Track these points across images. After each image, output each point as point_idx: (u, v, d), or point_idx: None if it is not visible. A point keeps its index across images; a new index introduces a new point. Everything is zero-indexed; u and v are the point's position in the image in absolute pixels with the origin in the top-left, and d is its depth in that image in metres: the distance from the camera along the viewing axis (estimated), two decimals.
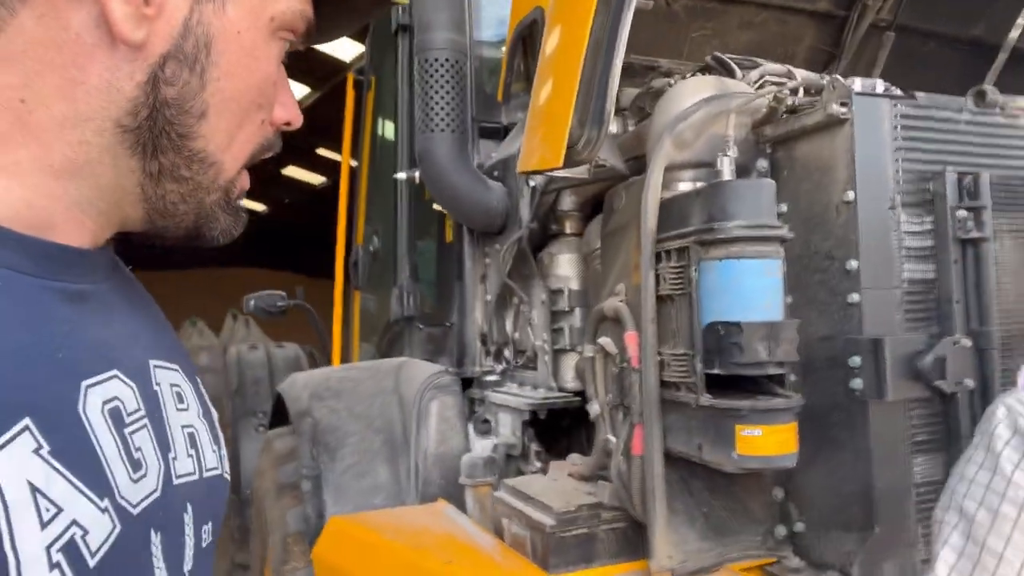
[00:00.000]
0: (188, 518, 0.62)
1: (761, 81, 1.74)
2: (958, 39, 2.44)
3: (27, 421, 0.47)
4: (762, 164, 1.46)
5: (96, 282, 0.60)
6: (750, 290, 1.26)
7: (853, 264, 1.30)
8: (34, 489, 0.46)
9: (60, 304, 0.55)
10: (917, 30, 2.45)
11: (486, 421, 2.13)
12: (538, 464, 1.94)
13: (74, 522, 0.48)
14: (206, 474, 0.66)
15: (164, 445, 0.60)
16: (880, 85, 1.39)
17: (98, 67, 0.55)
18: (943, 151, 1.38)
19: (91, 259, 0.59)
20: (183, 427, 0.64)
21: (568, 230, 2.03)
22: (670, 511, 1.36)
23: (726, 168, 1.36)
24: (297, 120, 0.66)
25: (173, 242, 0.64)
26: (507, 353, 2.22)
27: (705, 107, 1.45)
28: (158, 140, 0.58)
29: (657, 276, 1.38)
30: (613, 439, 1.47)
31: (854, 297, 1.30)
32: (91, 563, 0.48)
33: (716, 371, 1.28)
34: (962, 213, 1.34)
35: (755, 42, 2.41)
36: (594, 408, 1.55)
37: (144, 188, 0.59)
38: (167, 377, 0.64)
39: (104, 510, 0.50)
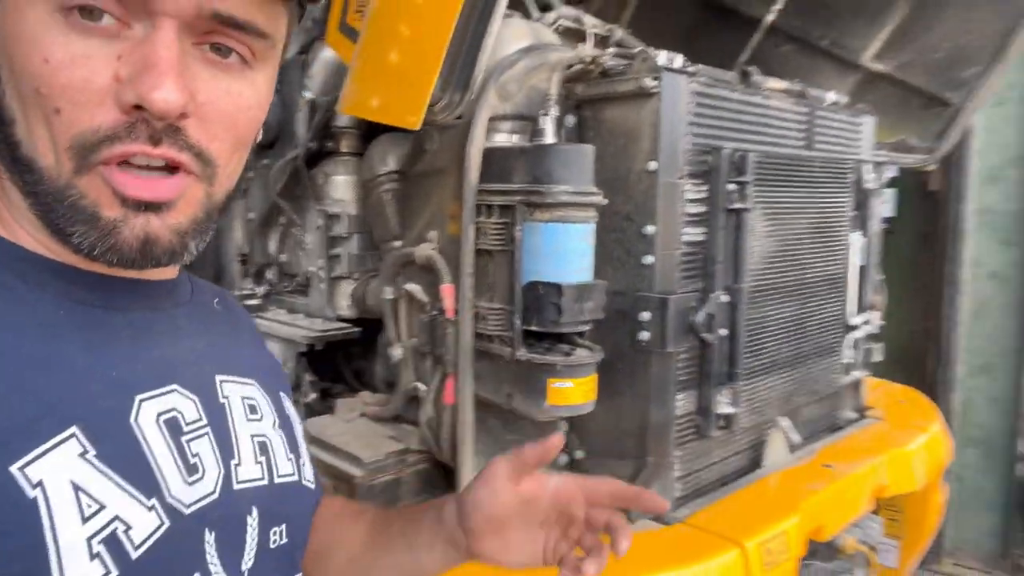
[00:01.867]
0: (253, 520, 0.64)
1: (556, 24, 1.77)
2: None
3: (74, 429, 0.51)
4: (570, 120, 1.51)
5: (160, 309, 0.64)
6: (570, 253, 1.33)
7: (651, 229, 1.43)
8: (76, 487, 0.50)
9: (123, 328, 0.59)
10: None
11: None
12: (312, 395, 1.88)
13: (116, 517, 0.52)
14: (278, 480, 0.68)
15: (227, 452, 0.63)
16: (678, 59, 1.50)
17: None
18: (718, 127, 1.55)
19: (146, 287, 0.63)
20: (252, 436, 0.67)
21: (344, 148, 1.89)
22: (474, 452, 1.43)
23: (549, 128, 1.38)
24: (157, 102, 0.50)
25: (85, 262, 0.57)
26: (270, 275, 2.06)
27: (526, 58, 1.44)
28: (2, 155, 0.55)
29: (476, 229, 1.38)
30: (422, 386, 1.48)
31: (648, 259, 1.43)
32: (133, 555, 0.52)
33: (533, 328, 1.34)
34: (731, 186, 1.54)
35: None
36: (396, 352, 1.53)
37: (31, 209, 0.56)
38: (238, 391, 0.67)
39: (151, 508, 0.54)
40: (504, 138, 1.45)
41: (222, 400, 0.65)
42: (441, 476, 1.52)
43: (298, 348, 1.85)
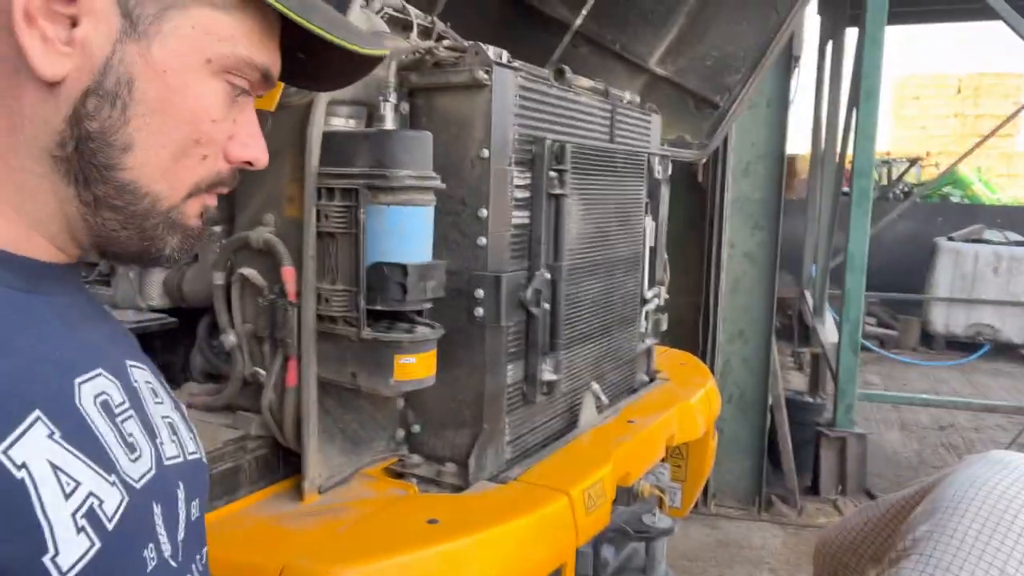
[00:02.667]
0: (181, 494, 0.69)
1: (382, 12, 1.81)
2: None
3: (37, 412, 0.54)
4: (404, 107, 1.57)
5: (72, 293, 0.66)
6: (413, 234, 1.39)
7: (484, 212, 1.53)
8: (54, 467, 0.53)
9: (48, 312, 0.61)
10: None
11: None
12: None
13: (91, 493, 0.55)
14: (189, 457, 0.73)
15: (151, 432, 0.67)
16: (504, 55, 1.61)
17: (30, 98, 0.59)
18: (540, 119, 1.69)
19: (66, 273, 0.66)
20: (163, 417, 0.70)
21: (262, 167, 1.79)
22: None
23: (389, 115, 1.43)
24: (260, 160, 0.70)
25: (128, 263, 0.73)
26: None
27: None
28: (87, 171, 0.61)
29: (317, 212, 1.40)
30: (261, 371, 1.47)
31: (482, 240, 1.54)
32: (109, 527, 0.56)
33: (377, 307, 1.39)
34: (552, 174, 1.69)
35: None
36: (230, 339, 1.50)
37: (85, 216, 0.63)
38: (141, 375, 0.70)
39: (112, 483, 0.58)
40: (341, 122, 1.47)
41: (134, 384, 0.67)
42: (281, 461, 1.52)
43: None
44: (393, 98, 1.44)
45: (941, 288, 8.70)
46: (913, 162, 13.07)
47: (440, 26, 1.99)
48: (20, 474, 0.51)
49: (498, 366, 1.61)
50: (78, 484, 0.54)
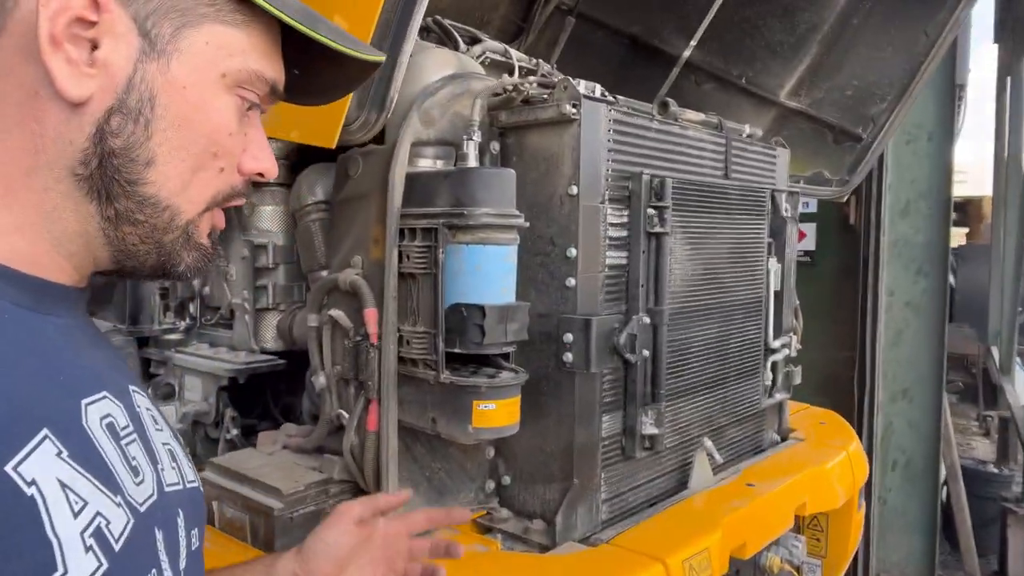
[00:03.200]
0: (181, 522, 0.68)
1: (483, 57, 1.81)
2: (620, 32, 2.79)
3: (46, 431, 0.54)
4: (495, 147, 1.53)
5: (77, 317, 0.67)
6: (492, 274, 1.34)
7: (573, 252, 1.45)
8: (63, 485, 0.53)
9: (56, 334, 0.62)
10: (592, 19, 2.74)
11: (168, 385, 1.92)
12: (234, 431, 1.82)
13: (98, 513, 0.55)
14: (188, 485, 0.72)
15: (152, 458, 0.66)
16: (597, 89, 1.55)
17: (53, 120, 0.60)
18: (638, 154, 1.60)
19: (75, 296, 0.66)
20: (163, 444, 0.70)
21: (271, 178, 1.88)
22: (399, 481, 1.41)
23: (471, 153, 1.40)
24: (270, 172, 0.71)
25: (143, 279, 0.73)
26: (192, 309, 2.01)
27: (450, 85, 1.47)
28: (110, 187, 0.62)
29: (400, 253, 1.38)
30: (344, 413, 1.46)
31: (571, 281, 1.46)
32: (116, 548, 0.55)
33: (456, 350, 1.34)
34: (651, 211, 1.58)
35: (455, 4, 2.46)
36: (320, 380, 1.51)
37: (105, 232, 0.64)
38: (143, 402, 0.70)
39: (119, 505, 0.57)
40: (428, 163, 1.46)
41: (137, 409, 0.68)
42: None
43: (219, 382, 1.80)
44: (477, 136, 1.41)
45: None
46: None
47: (544, 68, 1.96)
48: (30, 491, 0.51)
49: (590, 416, 1.50)
50: (86, 503, 0.54)
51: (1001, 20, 7.04)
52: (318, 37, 0.65)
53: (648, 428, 1.58)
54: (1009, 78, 6.62)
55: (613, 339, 1.51)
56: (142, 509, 0.60)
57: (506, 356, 1.42)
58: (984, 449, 6.33)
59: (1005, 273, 6.28)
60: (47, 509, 0.51)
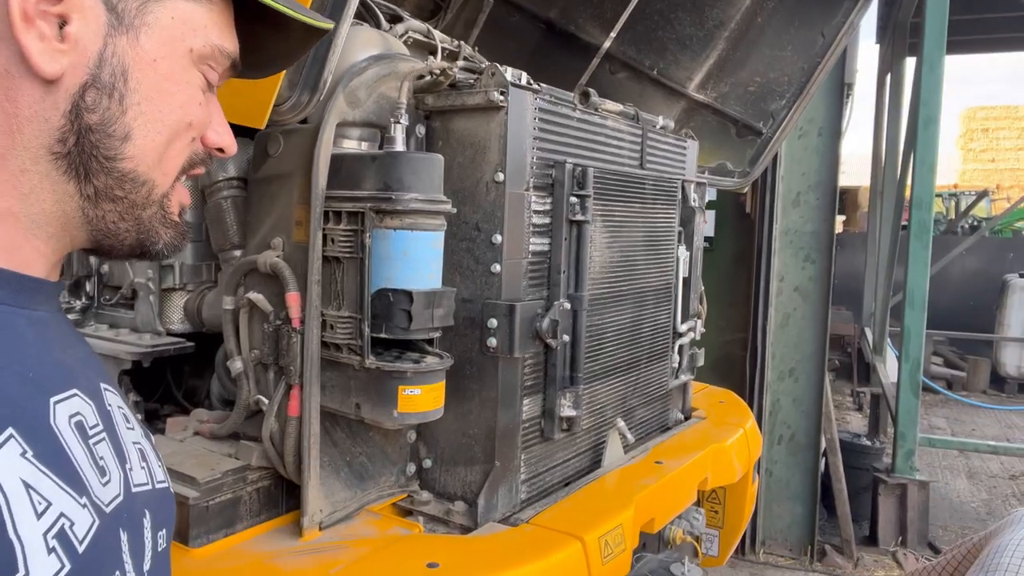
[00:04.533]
0: (147, 523, 0.67)
1: (406, 37, 1.78)
2: (537, 17, 2.81)
3: (11, 430, 0.53)
4: (420, 130, 1.52)
5: (52, 311, 0.65)
6: (420, 260, 1.34)
7: (498, 238, 1.47)
8: (27, 485, 0.52)
9: (27, 329, 0.61)
10: (509, 1, 2.74)
11: None
12: (138, 416, 1.74)
13: (62, 514, 0.54)
14: (157, 486, 0.71)
15: (121, 457, 0.65)
16: (523, 76, 1.56)
17: (27, 99, 0.59)
18: (561, 142, 1.63)
19: (49, 289, 0.65)
20: (133, 443, 0.69)
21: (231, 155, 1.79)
22: (320, 467, 1.40)
23: (399, 136, 1.38)
24: (231, 148, 0.72)
25: (120, 258, 0.70)
26: (88, 288, 1.90)
27: (376, 66, 1.44)
28: (88, 164, 0.62)
29: (324, 236, 1.35)
30: (264, 399, 1.42)
31: (496, 267, 1.48)
32: (80, 549, 0.54)
33: (382, 335, 1.34)
34: (573, 199, 1.62)
35: None
36: (236, 365, 1.46)
37: (84, 210, 0.63)
38: (114, 400, 0.69)
39: (84, 506, 0.56)
40: (353, 145, 1.44)
41: (107, 407, 0.67)
42: (284, 493, 1.46)
43: (121, 365, 1.71)
44: (405, 119, 1.39)
45: (1013, 327, 8.24)
46: (981, 195, 12.55)
47: (467, 50, 1.95)
48: None
49: (512, 400, 1.53)
50: (50, 504, 0.53)
51: (883, 23, 7.56)
52: (272, 4, 0.66)
53: (566, 410, 1.63)
54: (889, 76, 7.12)
55: (535, 324, 1.54)
56: (108, 510, 0.60)
57: (431, 341, 1.43)
58: (857, 423, 6.85)
59: (880, 260, 6.79)
60: (9, 510, 0.50)
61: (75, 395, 0.61)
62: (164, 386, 1.90)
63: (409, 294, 1.31)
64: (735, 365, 4.15)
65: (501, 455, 1.51)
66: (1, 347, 0.57)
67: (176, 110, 0.65)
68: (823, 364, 4.00)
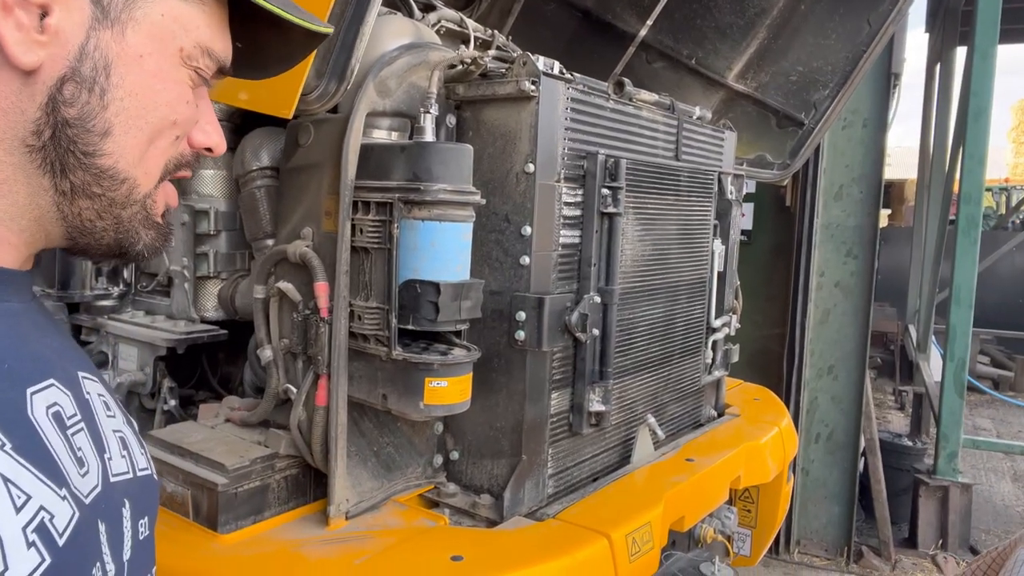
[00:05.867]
0: (127, 512, 0.66)
1: (438, 26, 1.77)
2: (574, 5, 2.77)
3: None
4: (451, 120, 1.51)
5: (24, 301, 0.64)
6: (448, 251, 1.33)
7: (528, 230, 1.45)
8: (5, 479, 0.51)
9: (0, 321, 0.60)
10: None
11: (102, 353, 1.84)
12: (172, 402, 1.77)
13: (42, 507, 0.53)
14: (139, 473, 0.70)
15: (100, 447, 0.64)
16: (556, 65, 1.54)
17: (3, 89, 0.58)
18: (593, 133, 1.60)
19: (20, 280, 0.64)
20: (114, 431, 0.68)
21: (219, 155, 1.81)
22: (347, 456, 1.40)
23: (429, 126, 1.37)
24: (219, 147, 0.70)
25: (97, 258, 0.67)
26: (126, 275, 1.93)
27: (407, 55, 1.43)
28: (64, 159, 0.60)
29: (352, 226, 1.35)
30: (292, 388, 1.43)
31: (525, 260, 1.46)
32: (60, 542, 0.54)
33: (410, 327, 1.33)
34: (604, 191, 1.59)
35: None
36: (266, 354, 1.47)
37: (60, 206, 0.62)
38: (94, 388, 0.68)
39: (63, 498, 0.56)
40: (383, 135, 1.43)
41: (86, 396, 0.65)
42: (312, 482, 1.47)
43: (157, 352, 1.74)
44: (434, 109, 1.38)
45: None
46: None
47: (500, 39, 1.93)
48: None
49: (540, 393, 1.52)
50: (29, 498, 0.52)
51: (933, 11, 7.31)
52: (268, 6, 0.65)
53: (595, 405, 1.61)
54: (939, 66, 6.89)
55: (565, 318, 1.52)
56: (87, 501, 0.59)
57: (458, 333, 1.42)
58: (899, 422, 6.69)
59: (926, 256, 6.60)
60: None
61: (52, 385, 0.61)
62: (200, 372, 1.93)
63: (436, 286, 1.30)
64: (772, 361, 4.07)
65: (528, 449, 1.49)
66: None
67: (161, 107, 0.63)
68: (864, 362, 3.90)
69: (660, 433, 1.82)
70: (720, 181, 2.07)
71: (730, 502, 2.11)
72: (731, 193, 2.12)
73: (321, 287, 1.36)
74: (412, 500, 1.52)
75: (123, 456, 0.68)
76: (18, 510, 0.51)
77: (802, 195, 3.86)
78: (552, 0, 2.72)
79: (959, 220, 3.98)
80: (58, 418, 0.59)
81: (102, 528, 0.61)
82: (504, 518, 1.45)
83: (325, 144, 1.41)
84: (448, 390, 1.34)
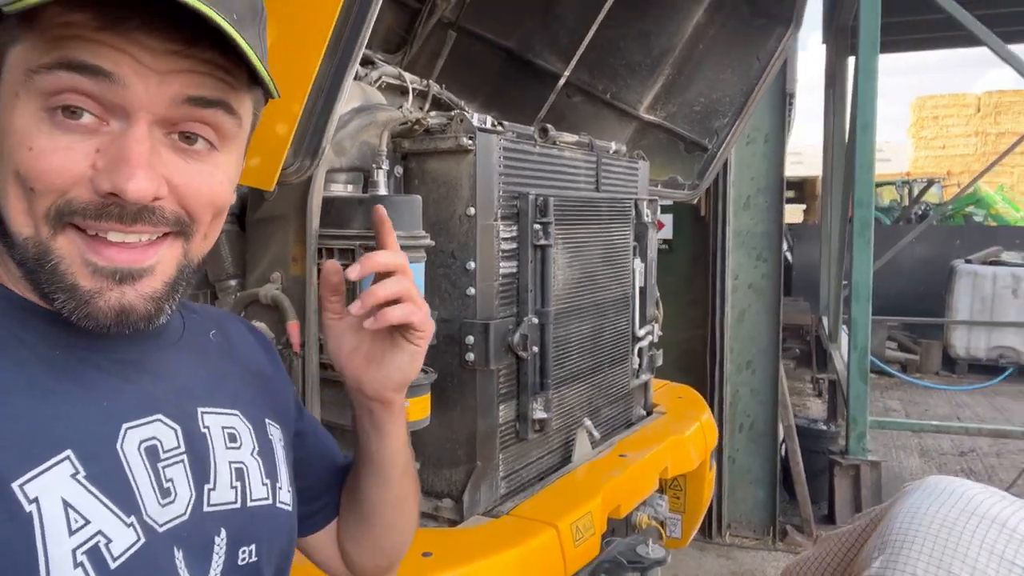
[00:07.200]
0: (221, 540, 0.70)
1: (380, 81, 1.97)
2: (498, 45, 3.00)
3: (68, 452, 0.59)
4: (399, 170, 1.71)
5: (145, 351, 0.70)
6: None
7: (472, 264, 1.67)
8: (66, 504, 0.57)
9: (110, 367, 0.66)
10: (471, 32, 2.94)
11: None
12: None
13: (99, 532, 0.58)
14: (251, 504, 0.74)
15: (202, 478, 0.69)
16: (489, 120, 1.76)
17: None
18: (524, 175, 1.83)
19: (138, 334, 0.65)
20: (230, 463, 0.73)
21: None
22: None
23: (382, 180, 1.58)
24: (132, 192, 0.58)
25: (102, 330, 0.62)
26: None
27: (358, 118, 1.63)
28: None
29: (318, 269, 1.54)
30: None
31: (471, 290, 1.67)
32: (112, 565, 0.59)
33: None
34: (536, 226, 1.82)
35: None
36: None
37: (7, 268, 0.65)
38: (219, 421, 0.73)
39: (130, 525, 0.61)
40: (340, 188, 1.62)
41: (203, 430, 0.71)
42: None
43: None
44: (386, 165, 1.59)
45: (961, 311, 8.65)
46: (930, 183, 13.03)
47: (435, 89, 2.15)
48: (30, 508, 0.55)
49: (490, 407, 1.73)
50: (87, 522, 0.58)
51: (827, 24, 7.89)
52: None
53: (538, 413, 1.83)
54: (836, 74, 7.45)
55: (508, 339, 1.74)
56: (161, 529, 0.64)
57: None
58: (817, 408, 7.18)
59: (832, 251, 7.13)
60: (42, 526, 0.55)
61: (156, 420, 0.66)
62: None
63: None
64: (696, 360, 4.39)
65: (482, 456, 1.70)
66: (74, 380, 0.63)
67: (8, 162, 0.59)
68: (777, 356, 4.26)
69: (596, 434, 2.06)
70: (637, 206, 2.34)
71: (661, 491, 2.37)
72: (647, 216, 2.38)
73: (293, 326, 1.55)
74: None
75: (233, 487, 0.72)
76: (72, 532, 0.57)
77: (715, 206, 4.20)
78: (477, 41, 2.95)
79: (854, 223, 4.39)
80: (152, 451, 0.65)
81: (178, 554, 0.65)
82: (464, 518, 1.65)
83: (289, 198, 1.59)
84: (410, 409, 1.54)
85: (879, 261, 7.03)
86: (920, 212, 12.36)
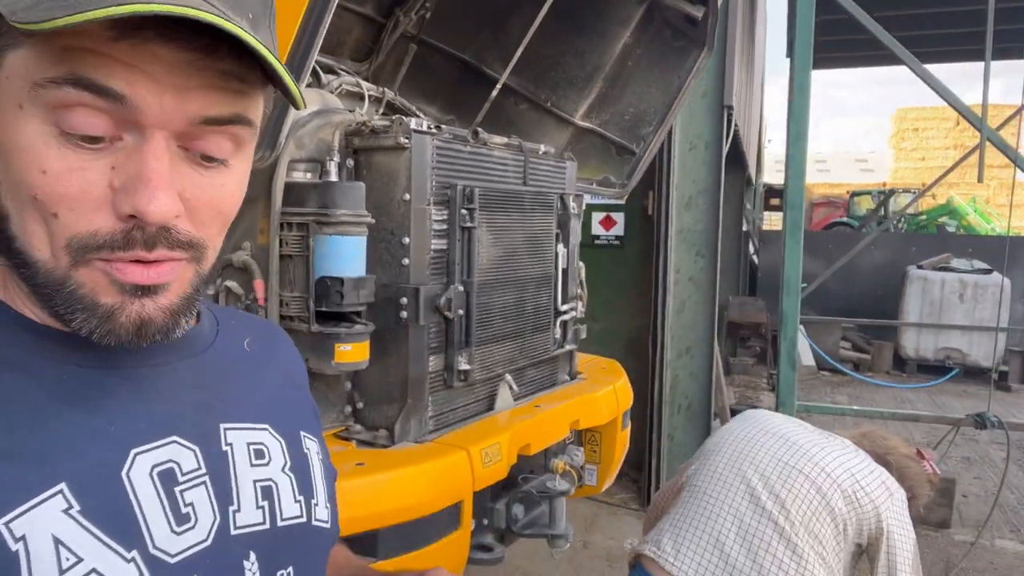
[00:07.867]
0: (251, 564, 0.66)
1: (340, 89, 2.37)
2: (454, 57, 3.41)
3: (62, 485, 0.55)
4: (350, 163, 2.11)
5: (162, 365, 0.66)
6: (348, 256, 1.93)
7: (407, 240, 2.07)
8: (57, 541, 0.54)
9: (120, 387, 0.62)
10: (431, 44, 3.34)
11: None
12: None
13: (93, 570, 0.55)
14: (281, 523, 0.70)
15: (226, 499, 0.66)
16: (425, 123, 2.16)
17: None
18: (456, 169, 2.23)
19: (155, 348, 0.62)
20: (256, 481, 0.69)
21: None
22: None
23: (333, 170, 1.97)
24: (150, 214, 0.55)
25: (122, 344, 0.59)
26: None
27: (316, 119, 2.03)
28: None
29: (280, 240, 1.93)
30: None
31: (405, 261, 2.07)
32: None
33: (323, 309, 1.92)
34: (463, 211, 2.22)
35: None
36: None
37: (10, 286, 0.62)
38: (244, 437, 0.69)
39: (130, 560, 0.57)
40: (300, 175, 2.02)
41: (224, 448, 0.67)
42: None
43: None
44: (337, 158, 1.98)
45: (911, 314, 9.14)
46: (892, 192, 13.55)
47: (389, 95, 2.55)
48: (16, 547, 0.52)
49: (420, 356, 2.13)
50: (79, 560, 0.54)
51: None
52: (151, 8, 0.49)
53: (462, 365, 2.23)
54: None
55: (436, 302, 2.14)
56: (174, 560, 0.60)
57: (358, 313, 2.01)
58: (769, 400, 7.62)
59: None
60: (29, 566, 0.52)
61: (172, 442, 0.62)
62: None
63: (341, 280, 1.90)
64: (643, 346, 4.82)
65: (413, 395, 2.10)
66: (78, 404, 0.59)
67: (22, 186, 0.55)
68: (712, 343, 4.69)
69: (515, 387, 2.46)
70: (563, 200, 2.74)
71: (580, 444, 2.78)
72: (573, 208, 2.79)
73: (259, 284, 1.94)
74: (328, 436, 2.10)
75: (260, 508, 0.68)
76: (63, 572, 0.53)
77: (660, 206, 4.62)
78: (436, 52, 3.35)
79: (786, 224, 4.82)
80: (166, 475, 0.61)
81: None
82: (395, 443, 2.05)
83: (257, 183, 1.98)
84: (352, 352, 1.94)
85: (836, 264, 7.50)
86: (896, 222, 12.79)
